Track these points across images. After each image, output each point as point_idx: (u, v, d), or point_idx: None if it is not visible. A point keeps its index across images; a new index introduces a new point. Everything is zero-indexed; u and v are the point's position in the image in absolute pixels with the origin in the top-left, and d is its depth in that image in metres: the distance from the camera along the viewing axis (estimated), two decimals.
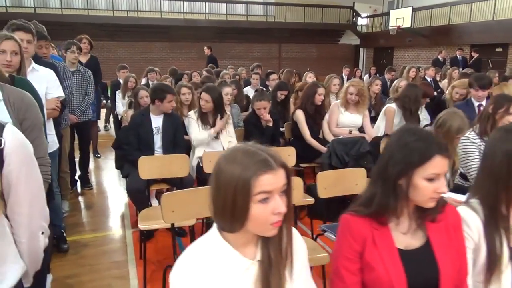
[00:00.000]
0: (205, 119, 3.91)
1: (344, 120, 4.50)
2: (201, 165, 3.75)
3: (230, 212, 1.09)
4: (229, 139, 4.05)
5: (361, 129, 4.64)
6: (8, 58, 2.34)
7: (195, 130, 3.92)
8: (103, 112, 8.16)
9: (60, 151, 3.61)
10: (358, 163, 3.81)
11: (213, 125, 3.93)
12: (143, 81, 7.68)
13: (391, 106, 4.58)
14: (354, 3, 19.89)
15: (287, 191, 1.13)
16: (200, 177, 3.78)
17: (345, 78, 9.61)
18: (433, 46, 16.78)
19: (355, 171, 2.94)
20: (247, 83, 7.65)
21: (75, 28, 15.67)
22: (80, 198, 4.66)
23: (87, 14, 17.19)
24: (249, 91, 6.78)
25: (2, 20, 2.93)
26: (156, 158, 3.29)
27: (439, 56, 11.64)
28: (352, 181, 2.85)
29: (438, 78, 8.52)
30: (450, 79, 7.90)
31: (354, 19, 20.20)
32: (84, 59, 5.91)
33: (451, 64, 11.25)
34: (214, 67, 8.77)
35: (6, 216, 1.21)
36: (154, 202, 3.97)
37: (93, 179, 5.36)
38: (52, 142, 3.08)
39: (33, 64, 2.94)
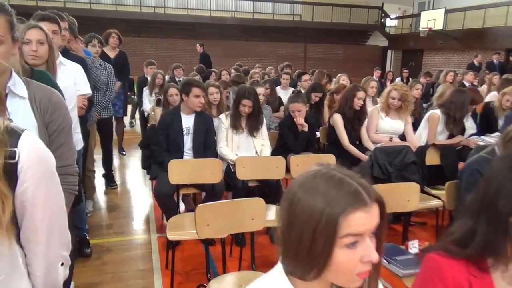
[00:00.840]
0: (238, 124, 3.66)
1: (385, 126, 4.18)
2: (232, 170, 3.51)
3: (306, 256, 0.82)
4: (262, 142, 3.79)
5: (402, 137, 4.32)
6: (33, 47, 2.13)
7: (222, 140, 3.68)
8: (128, 108, 8.02)
9: (86, 149, 3.43)
10: (401, 175, 3.51)
11: (248, 130, 3.68)
12: (168, 77, 7.50)
13: (435, 112, 4.24)
14: (383, 4, 19.34)
15: (378, 233, 0.86)
16: (230, 182, 3.53)
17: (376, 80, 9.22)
18: (465, 49, 16.14)
19: (406, 186, 2.65)
20: (276, 83, 7.39)
21: (103, 23, 15.68)
22: (104, 198, 4.48)
23: (115, 9, 17.18)
24: (279, 91, 6.51)
25: (32, 13, 2.74)
26: (187, 162, 3.05)
27: (474, 61, 11.12)
28: (404, 197, 2.55)
29: (475, 83, 8.07)
30: (490, 84, 7.47)
31: (382, 20, 19.65)
32: (112, 54, 5.75)
33: (487, 68, 10.73)
34: (204, 68, 8.19)
35: (20, 244, 0.97)
36: (181, 204, 3.75)
37: (117, 177, 5.18)
38: (77, 141, 2.87)
39: (61, 58, 2.73)
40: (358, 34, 20.33)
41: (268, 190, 3.45)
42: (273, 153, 3.85)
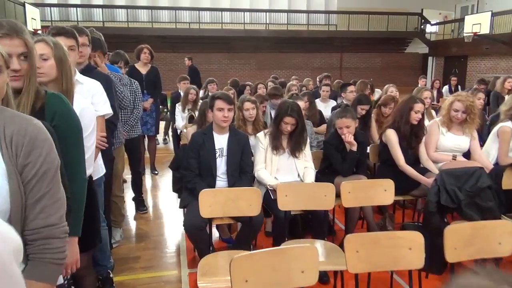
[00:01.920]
0: (279, 143, 3.20)
1: (447, 143, 3.60)
2: (271, 196, 3.04)
3: None
4: (305, 163, 3.31)
5: (465, 155, 3.72)
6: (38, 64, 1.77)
7: (260, 162, 3.22)
8: (162, 124, 7.75)
9: (110, 175, 3.07)
10: (474, 202, 2.92)
11: (289, 150, 3.22)
12: (201, 93, 7.16)
13: (507, 125, 3.62)
14: (422, 10, 18.48)
15: None
16: (270, 211, 3.06)
17: None
18: None
19: (496, 224, 2.07)
20: (315, 95, 6.90)
21: (140, 40, 15.70)
22: (133, 225, 4.11)
23: (151, 26, 17.31)
24: (319, 104, 6.01)
25: None
26: (220, 192, 2.60)
27: None
28: (493, 238, 1.98)
29: None
30: None
31: (422, 26, 18.76)
32: (144, 69, 5.46)
33: None
34: (238, 81, 7.59)
35: None
36: (214, 231, 3.33)
37: (149, 200, 4.83)
38: (98, 167, 2.51)
39: (78, 76, 2.38)
40: (396, 42, 19.52)
41: (314, 221, 2.95)
42: (318, 176, 3.36)
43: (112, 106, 2.65)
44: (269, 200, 3.07)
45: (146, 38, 16.93)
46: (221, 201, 2.51)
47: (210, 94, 6.81)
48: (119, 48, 4.93)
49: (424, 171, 3.44)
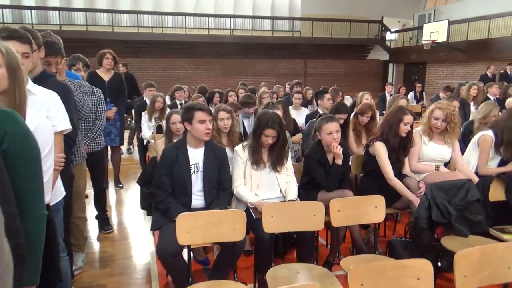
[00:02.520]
0: (259, 158, 2.95)
1: (429, 153, 3.48)
2: (253, 214, 2.79)
3: None
4: (287, 178, 3.07)
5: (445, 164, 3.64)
6: None
7: (239, 177, 2.97)
8: (126, 133, 7.31)
9: (70, 195, 2.73)
10: (463, 216, 2.79)
11: (270, 164, 2.97)
12: (168, 100, 6.81)
13: (487, 134, 3.55)
14: (382, 18, 18.87)
15: None
16: (252, 231, 2.80)
17: (388, 96, 8.55)
18: (469, 61, 15.60)
19: (508, 247, 1.91)
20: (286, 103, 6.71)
21: (100, 45, 15.09)
22: (97, 246, 3.72)
23: (112, 30, 16.62)
24: (291, 112, 5.82)
25: None
26: (201, 216, 2.30)
27: (487, 72, 10.50)
28: (503, 262, 1.82)
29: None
30: None
31: (382, 33, 19.16)
32: (107, 76, 5.07)
33: (500, 79, 10.12)
34: (206, 88, 7.13)
35: None
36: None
37: (114, 217, 4.44)
38: (56, 190, 2.17)
39: (29, 85, 2.02)
40: (358, 49, 19.82)
41: (301, 242, 2.72)
42: (299, 191, 3.12)
43: (71, 120, 2.31)
44: (250, 219, 2.81)
45: (106, 42, 16.27)
46: (201, 225, 2.22)
47: (178, 102, 6.48)
48: (78, 53, 4.53)
49: (400, 176, 3.30)
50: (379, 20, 18.96)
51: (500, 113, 4.14)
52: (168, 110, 5.69)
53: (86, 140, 3.46)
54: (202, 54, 18.13)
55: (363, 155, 3.46)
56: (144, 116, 5.52)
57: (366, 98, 5.04)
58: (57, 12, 16.00)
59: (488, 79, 10.06)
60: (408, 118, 3.22)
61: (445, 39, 14.86)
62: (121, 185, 5.44)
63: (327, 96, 4.86)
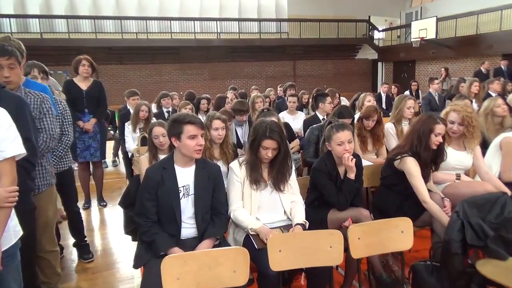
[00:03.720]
0: (258, 175, 2.49)
1: (449, 160, 3.05)
2: (254, 244, 2.33)
3: None
4: (292, 197, 2.62)
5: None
6: None
7: (236, 199, 2.51)
8: (111, 144, 6.80)
9: (33, 230, 2.26)
10: (499, 235, 2.36)
11: (272, 182, 2.52)
12: (154, 108, 6.33)
13: (510, 135, 3.15)
14: (369, 17, 18.60)
15: None
16: (254, 263, 2.34)
17: (383, 95, 8.18)
18: (459, 57, 15.39)
19: None
20: (280, 106, 6.28)
21: (83, 52, 14.55)
22: (74, 279, 3.23)
23: (95, 37, 16.03)
24: (286, 117, 5.40)
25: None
26: (192, 258, 1.82)
27: (482, 68, 10.20)
28: None
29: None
30: None
31: (370, 33, 18.89)
32: (85, 84, 4.58)
33: (494, 75, 9.82)
34: (194, 94, 6.62)
35: None
36: None
37: (96, 241, 3.94)
38: (7, 232, 1.71)
39: None
40: (347, 48, 19.53)
41: (313, 278, 2.26)
42: (306, 210, 2.67)
43: (27, 139, 1.84)
44: (250, 248, 2.36)
45: (89, 49, 15.71)
46: (193, 269, 1.76)
47: (165, 110, 6.00)
48: (61, 61, 4.08)
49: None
50: (366, 19, 18.70)
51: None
52: (154, 120, 5.23)
53: (53, 159, 2.97)
54: (189, 59, 17.66)
55: (384, 167, 3.01)
56: (128, 127, 5.03)
57: (369, 100, 4.62)
58: (37, 20, 15.35)
59: (482, 75, 9.76)
60: (440, 128, 2.76)
61: (433, 36, 14.60)
62: (104, 203, 4.94)
63: (329, 99, 4.42)
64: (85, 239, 3.57)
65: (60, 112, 2.94)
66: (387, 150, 4.04)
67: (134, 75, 17.30)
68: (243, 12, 18.34)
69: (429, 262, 2.66)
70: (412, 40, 15.35)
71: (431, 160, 2.81)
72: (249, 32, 17.75)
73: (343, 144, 2.60)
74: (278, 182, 2.53)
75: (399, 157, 2.84)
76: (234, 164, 2.58)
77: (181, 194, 2.36)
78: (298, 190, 2.67)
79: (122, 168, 6.57)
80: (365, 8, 18.79)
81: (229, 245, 2.46)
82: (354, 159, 2.59)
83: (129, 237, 3.62)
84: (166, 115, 5.93)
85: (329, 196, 2.67)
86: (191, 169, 2.42)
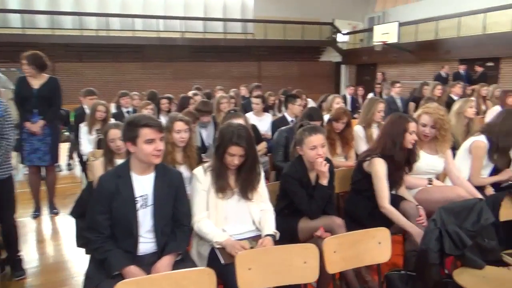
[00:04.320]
0: (225, 183, 2.28)
1: (420, 164, 2.96)
2: (221, 260, 2.12)
3: None
4: (261, 205, 2.42)
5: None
6: None
7: (200, 209, 2.29)
8: (66, 145, 6.36)
9: None
10: (476, 243, 2.27)
11: (240, 190, 2.31)
12: (113, 108, 5.97)
13: (480, 140, 3.11)
14: (334, 20, 18.77)
15: None
16: (221, 280, 2.13)
17: (348, 97, 8.17)
18: (419, 61, 15.77)
19: None
20: (245, 108, 6.08)
21: (40, 49, 13.80)
22: None
23: (52, 33, 15.20)
24: (252, 118, 5.19)
25: None
26: (149, 282, 1.58)
27: (441, 72, 10.47)
28: None
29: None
30: (479, 97, 6.62)
31: (334, 35, 19.06)
32: (37, 83, 4.20)
33: (454, 79, 10.08)
34: (156, 94, 6.27)
35: None
36: None
37: (47, 254, 3.58)
38: None
39: None
40: (311, 51, 19.60)
41: None
42: (276, 219, 2.48)
43: None
44: (216, 264, 2.15)
45: (46, 46, 14.88)
46: None
47: (125, 110, 5.67)
48: (15, 58, 3.65)
49: (396, 199, 2.76)
50: (331, 22, 18.85)
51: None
52: (112, 121, 4.89)
53: None
54: (152, 58, 17.10)
55: (354, 171, 2.88)
56: (83, 128, 4.67)
57: (337, 102, 4.50)
58: None
59: (442, 79, 10.00)
60: (413, 126, 2.67)
61: (395, 41, 14.88)
62: (56, 211, 4.55)
63: (299, 101, 4.25)
64: (19, 254, 3.20)
65: (0, 113, 2.61)
66: (356, 154, 3.94)
67: (95, 73, 16.53)
68: (208, 11, 17.99)
69: (403, 271, 2.54)
70: (375, 43, 15.60)
71: (405, 161, 2.70)
72: (214, 32, 17.43)
73: (316, 148, 2.43)
74: (246, 190, 2.33)
75: (368, 158, 2.72)
76: (198, 171, 2.35)
77: (138, 205, 2.11)
78: (268, 197, 2.47)
79: (77, 172, 6.15)
80: (330, 12, 18.94)
81: (192, 260, 2.23)
82: (328, 164, 2.44)
83: (83, 250, 3.31)
84: (126, 115, 5.59)
85: (300, 204, 2.49)
86: (150, 176, 2.17)
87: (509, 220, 2.52)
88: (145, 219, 2.13)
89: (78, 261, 3.38)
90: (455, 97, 6.55)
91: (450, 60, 13.99)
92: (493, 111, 5.22)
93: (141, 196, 2.13)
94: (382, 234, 1.98)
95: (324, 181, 2.45)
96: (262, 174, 2.45)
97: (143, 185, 2.14)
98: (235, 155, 2.23)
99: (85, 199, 2.88)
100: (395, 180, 2.66)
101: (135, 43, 16.20)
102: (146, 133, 2.04)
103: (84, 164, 4.78)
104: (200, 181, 2.31)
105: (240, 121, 3.22)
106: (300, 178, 2.51)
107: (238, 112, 3.44)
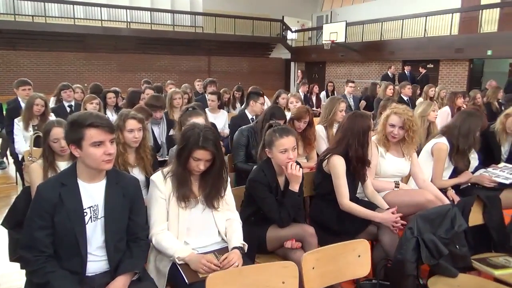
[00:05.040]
0: (188, 190, 2.02)
1: (388, 167, 2.88)
2: (186, 280, 1.86)
3: None
4: (227, 214, 2.18)
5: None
6: None
7: (159, 219, 2.02)
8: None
9: None
10: (450, 251, 2.20)
11: (204, 198, 2.06)
12: (52, 102, 5.43)
13: (442, 142, 3.09)
14: (283, 17, 18.82)
15: None
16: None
17: (301, 95, 8.09)
18: (365, 61, 16.24)
19: None
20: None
21: None
22: None
23: None
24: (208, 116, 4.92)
25: None
26: None
27: (388, 72, 10.76)
28: None
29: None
30: (427, 97, 6.82)
31: (284, 33, 19.12)
32: None
33: (399, 80, 10.41)
34: (101, 87, 5.94)
35: None
36: None
37: None
38: None
39: None
40: (261, 47, 19.56)
41: None
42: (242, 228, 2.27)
43: None
44: (177, 283, 1.90)
45: None
46: None
47: (66, 104, 5.15)
48: None
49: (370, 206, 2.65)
50: (280, 19, 18.89)
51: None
52: (52, 116, 4.41)
53: None
54: (95, 48, 16.15)
55: (315, 174, 2.73)
56: (18, 123, 4.16)
57: (292, 101, 4.35)
58: None
59: (389, 78, 10.28)
60: (371, 123, 2.59)
61: (343, 40, 15.20)
62: None
63: (262, 99, 4.05)
64: None
65: None
66: (317, 154, 3.82)
67: (30, 63, 15.33)
68: (155, 2, 17.29)
69: (375, 280, 2.43)
70: (324, 42, 15.82)
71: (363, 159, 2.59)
72: (162, 24, 16.79)
73: (287, 151, 2.24)
74: (211, 198, 2.08)
75: (327, 157, 2.59)
76: (157, 177, 2.06)
77: (87, 218, 1.80)
78: (234, 205, 2.25)
79: (11, 171, 5.53)
80: (279, 8, 18.97)
81: (150, 279, 1.95)
82: (301, 169, 2.26)
83: (17, 265, 2.89)
84: (67, 109, 5.09)
85: (269, 212, 2.29)
86: (101, 184, 1.86)
87: (476, 225, 2.49)
88: (94, 233, 1.82)
89: (12, 279, 2.94)
90: (405, 98, 6.70)
91: (393, 61, 14.52)
92: (442, 112, 5.36)
93: (90, 207, 1.81)
94: (362, 246, 1.84)
95: (296, 187, 2.27)
96: (228, 180, 2.22)
97: (92, 194, 1.83)
98: (201, 160, 1.97)
99: (19, 208, 2.50)
100: (352, 179, 2.56)
101: (75, 32, 15.17)
102: (93, 134, 1.72)
103: (19, 164, 4.27)
104: (159, 189, 2.03)
105: (200, 119, 2.96)
106: (268, 184, 2.30)
107: (198, 110, 3.16)
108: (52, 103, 5.68)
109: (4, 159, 6.06)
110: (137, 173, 2.77)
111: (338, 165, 2.49)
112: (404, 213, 2.56)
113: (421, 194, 2.70)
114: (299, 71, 10.72)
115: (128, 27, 16.12)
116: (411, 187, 3.03)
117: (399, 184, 2.87)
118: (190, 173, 2.04)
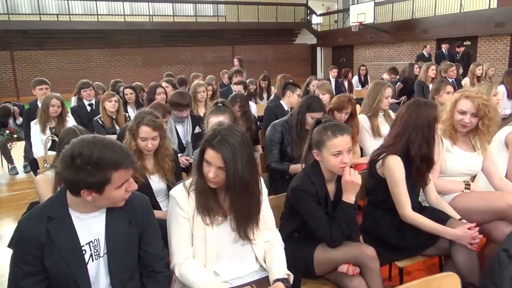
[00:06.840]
0: (216, 204, 1.58)
1: (456, 164, 2.34)
2: None
3: None
4: (265, 234, 1.72)
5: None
6: None
7: (184, 246, 1.60)
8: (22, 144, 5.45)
9: None
10: None
11: (234, 217, 1.61)
12: (73, 101, 5.11)
13: None
14: (307, 1, 18.04)
15: None
16: None
17: (332, 81, 7.52)
18: (395, 42, 15.33)
19: None
20: (227, 95, 5.32)
21: None
22: None
23: (7, 19, 13.83)
24: None
25: None
26: None
27: (424, 51, 9.95)
28: None
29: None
30: (473, 77, 6.12)
31: (308, 17, 18.35)
32: None
33: (436, 59, 9.61)
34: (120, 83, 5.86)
35: None
36: None
37: None
38: None
39: None
40: (286, 33, 18.87)
41: None
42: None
43: None
44: None
45: (2, 33, 13.65)
46: None
47: (87, 103, 4.81)
48: None
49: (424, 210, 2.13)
50: (304, 3, 18.13)
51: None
52: (70, 117, 4.08)
53: None
54: (119, 44, 15.96)
55: (367, 177, 2.21)
56: (34, 126, 3.84)
57: (313, 84, 3.82)
58: None
59: (425, 59, 9.50)
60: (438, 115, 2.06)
61: (371, 21, 14.35)
62: None
63: (299, 91, 3.55)
64: None
65: None
66: (361, 148, 3.31)
67: (57, 62, 15.30)
68: None
69: None
70: (351, 24, 15.02)
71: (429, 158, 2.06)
72: (184, 15, 16.40)
73: (341, 154, 1.75)
74: (244, 227, 1.61)
75: (381, 157, 2.06)
76: (178, 192, 1.62)
77: (86, 257, 1.39)
78: (274, 222, 1.79)
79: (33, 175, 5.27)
80: None
81: None
82: (359, 175, 1.76)
83: None
84: (88, 108, 4.76)
85: (317, 228, 1.81)
86: (100, 213, 1.44)
87: None
88: (98, 274, 1.41)
89: None
90: (449, 79, 6.02)
91: (427, 40, 13.60)
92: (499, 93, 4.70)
93: (89, 243, 1.40)
94: (452, 282, 1.34)
95: (352, 197, 1.78)
96: (266, 193, 1.75)
97: (91, 226, 1.41)
98: (217, 176, 1.51)
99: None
100: (413, 184, 2.04)
101: (99, 28, 15.01)
102: (120, 177, 1.32)
103: (36, 166, 3.97)
104: (180, 207, 1.60)
105: (224, 116, 2.50)
106: (317, 193, 1.82)
107: (223, 107, 2.67)
108: (73, 102, 5.39)
109: (27, 163, 5.82)
110: (156, 181, 2.37)
111: (396, 169, 1.97)
112: (479, 221, 2.04)
113: (501, 198, 2.15)
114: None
115: (151, 20, 15.82)
116: (482, 187, 2.47)
117: (469, 185, 2.33)
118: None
